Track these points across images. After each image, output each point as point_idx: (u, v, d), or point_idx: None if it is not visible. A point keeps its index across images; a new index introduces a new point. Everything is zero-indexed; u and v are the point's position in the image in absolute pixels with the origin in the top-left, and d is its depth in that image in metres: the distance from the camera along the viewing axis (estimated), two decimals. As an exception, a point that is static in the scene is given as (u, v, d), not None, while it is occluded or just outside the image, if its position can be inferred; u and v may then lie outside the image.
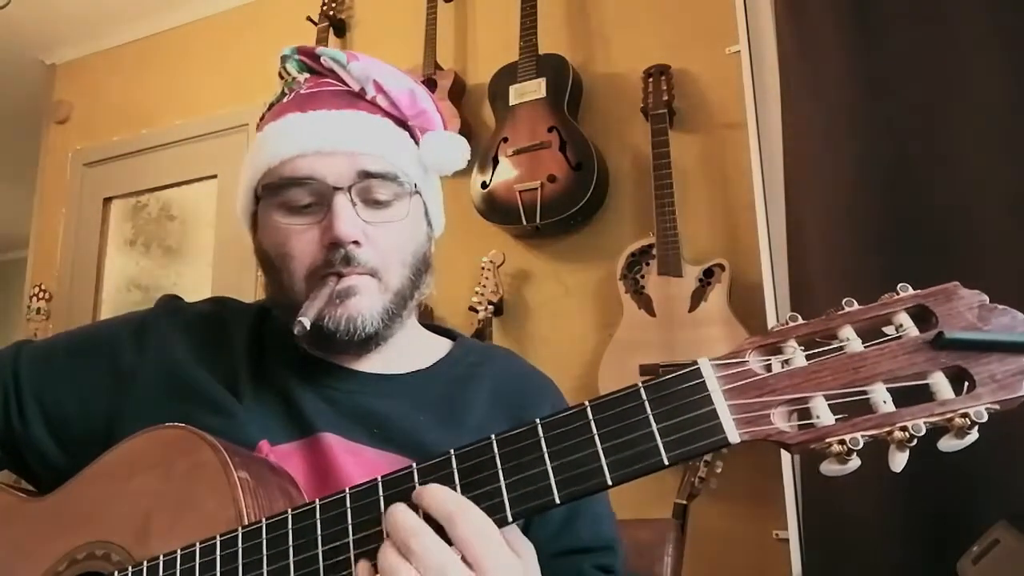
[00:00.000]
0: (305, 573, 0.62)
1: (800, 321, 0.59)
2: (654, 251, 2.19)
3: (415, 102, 0.90)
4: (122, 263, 3.47)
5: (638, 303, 2.18)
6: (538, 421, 0.61)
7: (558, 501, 0.58)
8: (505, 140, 2.42)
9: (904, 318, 0.56)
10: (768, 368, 0.58)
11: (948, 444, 0.53)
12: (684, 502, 1.84)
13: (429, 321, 1.01)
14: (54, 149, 3.70)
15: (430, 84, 2.59)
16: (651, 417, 0.58)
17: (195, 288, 3.19)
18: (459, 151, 0.92)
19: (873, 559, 1.75)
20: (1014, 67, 1.80)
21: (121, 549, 0.74)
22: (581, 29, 2.62)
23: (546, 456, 0.60)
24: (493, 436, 0.62)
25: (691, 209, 2.29)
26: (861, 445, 0.53)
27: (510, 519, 0.60)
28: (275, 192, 0.84)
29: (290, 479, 0.78)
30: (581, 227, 2.43)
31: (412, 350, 0.93)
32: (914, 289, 0.57)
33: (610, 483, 0.57)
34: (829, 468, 0.55)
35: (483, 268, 2.41)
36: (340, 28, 3.02)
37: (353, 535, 0.62)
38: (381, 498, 0.62)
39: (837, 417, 0.54)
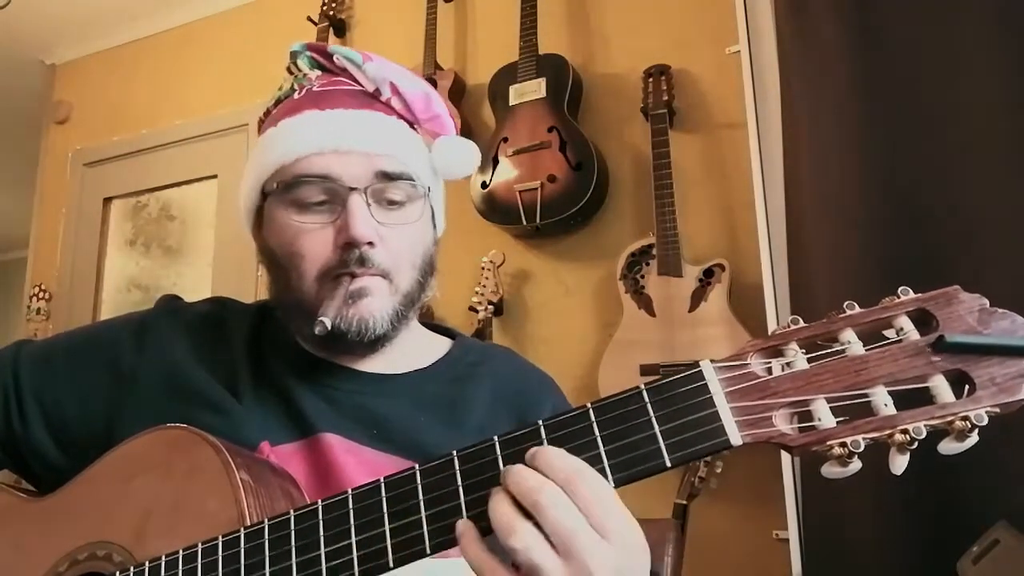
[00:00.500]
0: (308, 574, 0.62)
1: (801, 324, 0.59)
2: (654, 251, 2.19)
3: (429, 106, 0.90)
4: (122, 263, 3.47)
5: (638, 303, 2.19)
6: (541, 423, 0.61)
7: None
8: (505, 140, 2.42)
9: (905, 321, 0.56)
10: (770, 371, 0.58)
11: (948, 447, 0.53)
12: (684, 502, 1.84)
13: (429, 321, 1.00)
14: (54, 149, 3.70)
15: (430, 84, 2.58)
16: (654, 419, 0.58)
17: (195, 288, 3.19)
18: (471, 157, 0.92)
19: (873, 559, 1.75)
20: (1014, 66, 1.80)
21: (122, 549, 0.74)
22: (581, 29, 2.62)
23: None
24: (496, 438, 0.62)
25: (691, 209, 2.29)
26: (862, 448, 0.53)
27: None
28: (288, 189, 0.83)
29: (291, 480, 0.78)
30: (581, 227, 2.43)
31: (413, 350, 0.93)
32: (915, 292, 0.57)
33: (613, 484, 0.58)
34: (830, 470, 0.55)
35: (483, 268, 2.41)
36: (340, 28, 3.02)
37: (356, 536, 0.62)
38: (384, 499, 0.62)
39: (838, 420, 0.55)
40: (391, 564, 0.61)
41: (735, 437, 0.56)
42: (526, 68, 2.47)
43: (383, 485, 0.63)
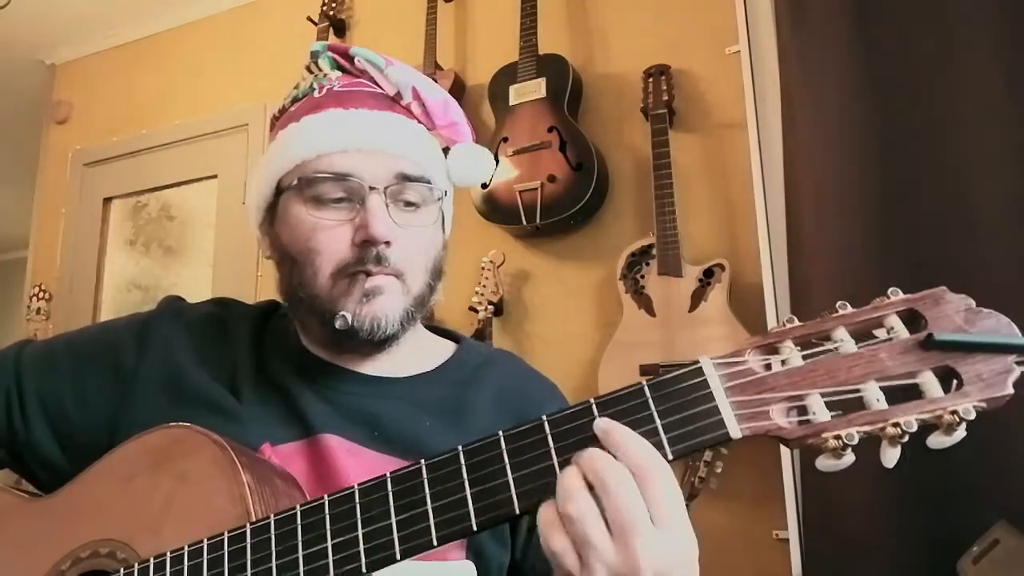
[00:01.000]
0: (314, 568, 0.63)
1: (797, 323, 0.61)
2: (654, 251, 2.19)
3: (448, 112, 0.91)
4: (122, 263, 3.47)
5: (638, 303, 2.19)
6: (544, 418, 0.62)
7: None
8: (505, 140, 2.43)
9: (895, 321, 0.58)
10: (767, 367, 0.59)
11: (937, 441, 0.55)
12: (684, 502, 1.84)
13: (430, 322, 1.01)
14: (54, 149, 3.70)
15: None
16: (655, 413, 0.60)
17: (195, 288, 3.19)
18: (487, 165, 0.93)
19: (873, 559, 1.76)
20: (1015, 66, 1.81)
21: (126, 547, 0.74)
22: (581, 29, 2.63)
23: (553, 451, 0.61)
24: (501, 432, 0.63)
25: (691, 209, 2.30)
26: (856, 440, 0.55)
27: (517, 511, 0.60)
28: (308, 185, 0.84)
29: (293, 481, 0.78)
30: (581, 227, 2.44)
31: (417, 353, 0.93)
32: (904, 293, 0.59)
33: None
34: (825, 463, 0.57)
35: (483, 268, 2.41)
36: (340, 28, 3.03)
37: (363, 528, 0.63)
38: (390, 493, 0.63)
39: (833, 414, 0.56)
40: (398, 556, 0.61)
41: (734, 430, 0.58)
42: (526, 68, 2.47)
43: (389, 479, 0.64)
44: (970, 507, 1.64)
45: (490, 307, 2.37)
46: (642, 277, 2.22)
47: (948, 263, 1.78)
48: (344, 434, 0.84)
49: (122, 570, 0.72)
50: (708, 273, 2.14)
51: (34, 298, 3.24)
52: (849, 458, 0.56)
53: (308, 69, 0.95)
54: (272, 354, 0.91)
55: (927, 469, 1.61)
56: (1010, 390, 0.53)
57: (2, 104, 4.10)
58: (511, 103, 2.47)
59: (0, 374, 0.92)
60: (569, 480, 0.57)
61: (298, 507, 0.66)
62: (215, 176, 3.26)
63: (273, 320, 0.96)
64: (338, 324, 0.80)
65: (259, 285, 2.98)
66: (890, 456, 0.55)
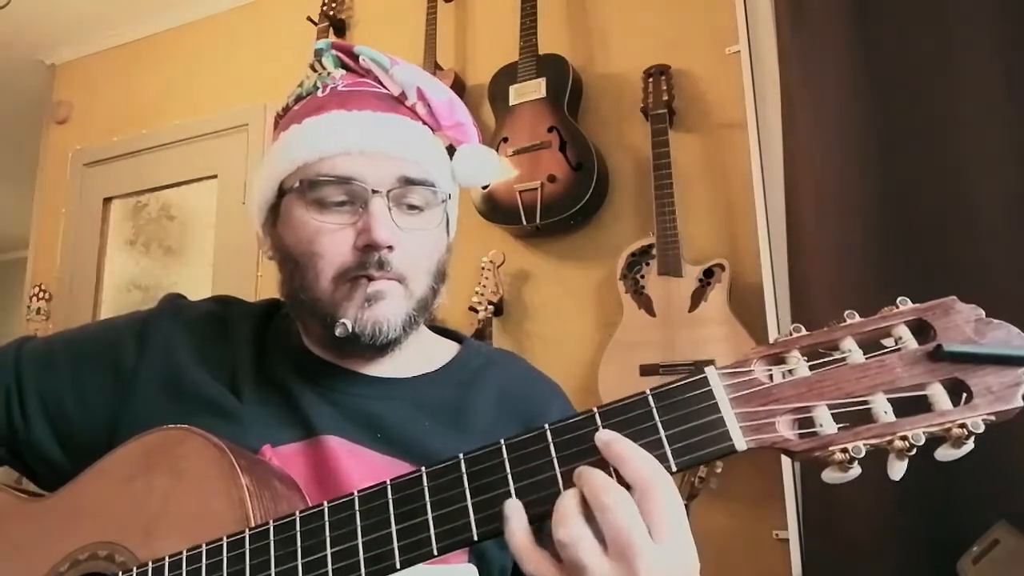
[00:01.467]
0: (315, 575, 0.63)
1: (803, 332, 0.60)
2: (654, 251, 2.19)
3: (453, 113, 0.90)
4: (122, 263, 3.47)
5: (638, 303, 2.19)
6: (547, 427, 0.61)
7: None
8: (505, 140, 2.42)
9: (903, 331, 0.57)
10: (772, 377, 0.59)
11: (945, 454, 0.54)
12: (684, 502, 1.84)
13: (434, 324, 1.00)
14: (54, 149, 3.69)
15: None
16: (659, 424, 0.59)
17: (195, 288, 3.19)
18: (493, 166, 0.92)
19: (873, 559, 1.76)
20: (1015, 66, 1.81)
21: (124, 549, 0.73)
22: (581, 29, 2.62)
23: (555, 461, 0.60)
24: (503, 441, 0.62)
25: (691, 209, 2.30)
26: (863, 454, 0.54)
27: None
28: (310, 187, 0.83)
29: (293, 483, 0.78)
30: (581, 227, 2.43)
31: (419, 354, 0.93)
32: (910, 297, 0.58)
33: None
34: (831, 476, 0.56)
35: (483, 268, 2.41)
36: (340, 28, 3.02)
37: (363, 537, 0.63)
38: (390, 500, 0.63)
39: (840, 426, 0.55)
40: (398, 565, 0.61)
41: (740, 442, 0.57)
42: (526, 68, 2.47)
43: (389, 487, 0.64)
44: (970, 507, 1.64)
45: (490, 307, 2.37)
46: (642, 277, 2.22)
47: (948, 263, 1.77)
48: (346, 435, 0.84)
49: (120, 573, 0.71)
50: (708, 273, 2.14)
51: (34, 298, 3.24)
52: (855, 471, 0.55)
53: (312, 67, 0.94)
54: (273, 354, 0.91)
55: (927, 470, 1.61)
56: (1020, 403, 0.53)
57: (2, 104, 4.10)
58: (511, 103, 2.47)
59: (0, 371, 0.92)
60: (563, 504, 0.57)
61: (298, 513, 0.65)
62: (215, 176, 3.25)
63: (275, 319, 0.95)
64: (338, 332, 0.80)
65: (259, 285, 2.98)
66: (897, 469, 0.54)
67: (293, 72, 0.97)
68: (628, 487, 0.57)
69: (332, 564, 0.62)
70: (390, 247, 0.81)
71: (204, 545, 0.67)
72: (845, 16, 2.03)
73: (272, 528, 0.65)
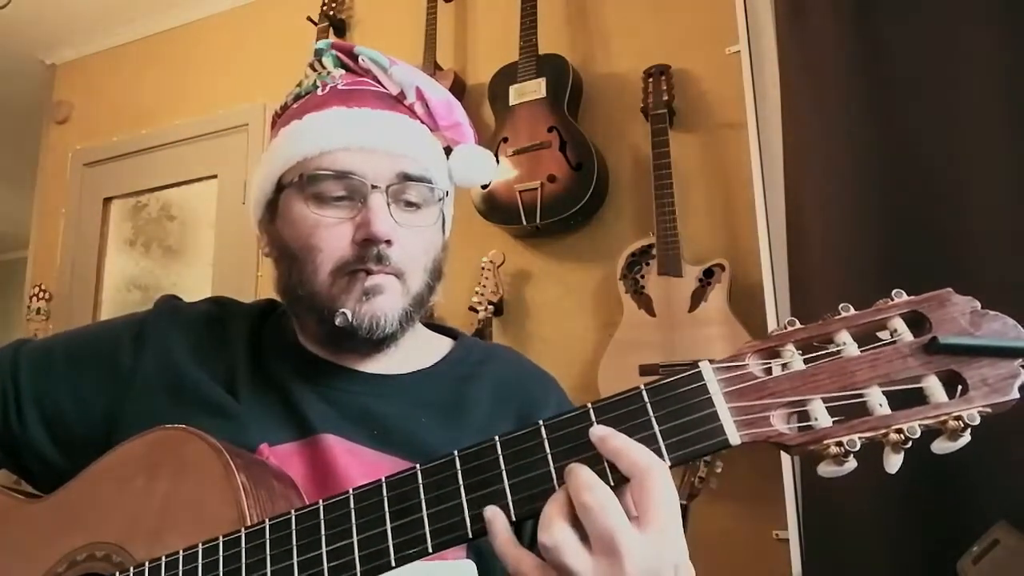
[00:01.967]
0: (310, 574, 0.62)
1: (798, 325, 0.59)
2: (654, 251, 2.19)
3: (451, 113, 0.91)
4: (122, 263, 3.47)
5: (638, 303, 2.19)
6: (541, 423, 0.61)
7: None
8: (505, 140, 2.42)
9: (899, 323, 0.57)
10: (767, 371, 0.58)
11: (941, 446, 0.54)
12: (684, 502, 1.84)
13: (430, 321, 1.00)
14: (54, 149, 3.70)
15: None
16: (653, 419, 0.59)
17: (195, 288, 3.19)
18: (489, 166, 0.94)
19: (873, 559, 1.75)
20: (1015, 66, 1.81)
21: (121, 550, 0.73)
22: (581, 29, 2.62)
23: (549, 457, 0.60)
24: (497, 437, 0.62)
25: (691, 209, 2.29)
26: (858, 447, 0.54)
27: (514, 518, 0.60)
28: (310, 182, 0.83)
29: (291, 482, 0.78)
30: (581, 227, 2.43)
31: (415, 351, 0.93)
32: (908, 295, 0.58)
33: (613, 483, 0.58)
34: (826, 469, 0.55)
35: (483, 268, 2.41)
36: (340, 28, 3.03)
37: (357, 535, 0.62)
38: (385, 498, 0.63)
39: (834, 419, 0.55)
40: (393, 563, 0.61)
41: (734, 437, 0.57)
42: (526, 68, 2.47)
43: (384, 485, 0.63)
44: (970, 507, 1.63)
45: (490, 307, 2.37)
46: (642, 277, 2.22)
47: (947, 263, 1.77)
48: (343, 433, 0.84)
49: (117, 574, 0.71)
50: (708, 273, 2.14)
51: (34, 298, 3.25)
52: (851, 464, 0.54)
53: (312, 67, 0.95)
54: (270, 353, 0.91)
55: (927, 469, 1.61)
56: (1016, 395, 0.52)
57: (2, 104, 4.10)
58: (511, 103, 2.47)
59: None
60: (548, 507, 0.57)
61: (293, 512, 0.65)
62: (215, 176, 3.26)
63: (271, 319, 0.96)
64: (338, 321, 0.80)
65: (259, 285, 2.98)
66: (893, 462, 0.54)
67: (293, 72, 0.97)
68: (624, 481, 0.57)
69: (327, 562, 0.62)
70: (388, 242, 0.82)
71: (200, 544, 0.67)
72: (845, 16, 2.03)
73: (268, 527, 0.65)
